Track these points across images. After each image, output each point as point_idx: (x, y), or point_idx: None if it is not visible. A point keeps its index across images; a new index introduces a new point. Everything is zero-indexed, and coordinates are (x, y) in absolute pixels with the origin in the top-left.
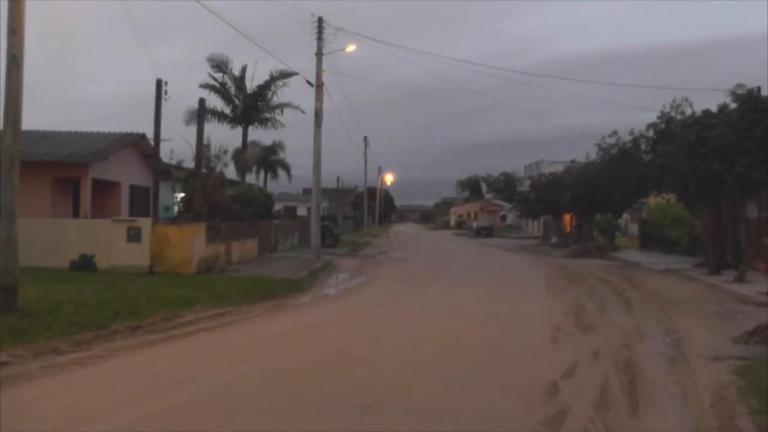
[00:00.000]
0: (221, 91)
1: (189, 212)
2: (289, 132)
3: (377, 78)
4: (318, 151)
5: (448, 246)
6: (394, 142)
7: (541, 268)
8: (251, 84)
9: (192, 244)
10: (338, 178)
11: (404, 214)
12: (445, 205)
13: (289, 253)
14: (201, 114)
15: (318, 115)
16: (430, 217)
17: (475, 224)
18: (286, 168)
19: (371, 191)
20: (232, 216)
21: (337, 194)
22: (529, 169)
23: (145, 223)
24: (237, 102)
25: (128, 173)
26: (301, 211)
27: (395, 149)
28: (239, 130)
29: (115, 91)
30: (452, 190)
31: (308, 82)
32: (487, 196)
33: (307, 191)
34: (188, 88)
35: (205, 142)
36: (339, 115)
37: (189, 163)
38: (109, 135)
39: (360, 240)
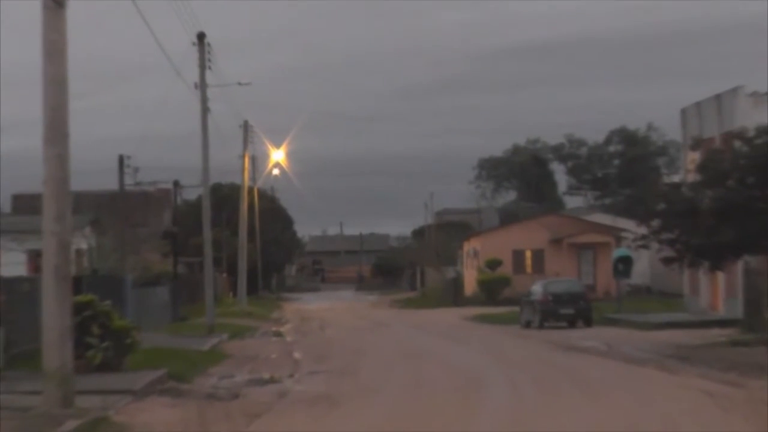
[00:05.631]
0: None
1: None
2: None
3: None
4: (59, 80)
5: (459, 359)
6: (291, 55)
7: None
8: None
9: None
10: (122, 160)
11: (325, 265)
12: (446, 232)
13: None
14: None
15: None
16: (403, 269)
17: (539, 288)
18: None
19: (225, 196)
20: None
21: (122, 207)
22: (693, 121)
23: None
24: None
25: None
26: (13, 265)
27: (297, 76)
28: None
29: None
30: (461, 191)
31: None
32: (571, 202)
33: (22, 201)
34: None
35: None
36: None
37: None
38: None
39: (195, 346)
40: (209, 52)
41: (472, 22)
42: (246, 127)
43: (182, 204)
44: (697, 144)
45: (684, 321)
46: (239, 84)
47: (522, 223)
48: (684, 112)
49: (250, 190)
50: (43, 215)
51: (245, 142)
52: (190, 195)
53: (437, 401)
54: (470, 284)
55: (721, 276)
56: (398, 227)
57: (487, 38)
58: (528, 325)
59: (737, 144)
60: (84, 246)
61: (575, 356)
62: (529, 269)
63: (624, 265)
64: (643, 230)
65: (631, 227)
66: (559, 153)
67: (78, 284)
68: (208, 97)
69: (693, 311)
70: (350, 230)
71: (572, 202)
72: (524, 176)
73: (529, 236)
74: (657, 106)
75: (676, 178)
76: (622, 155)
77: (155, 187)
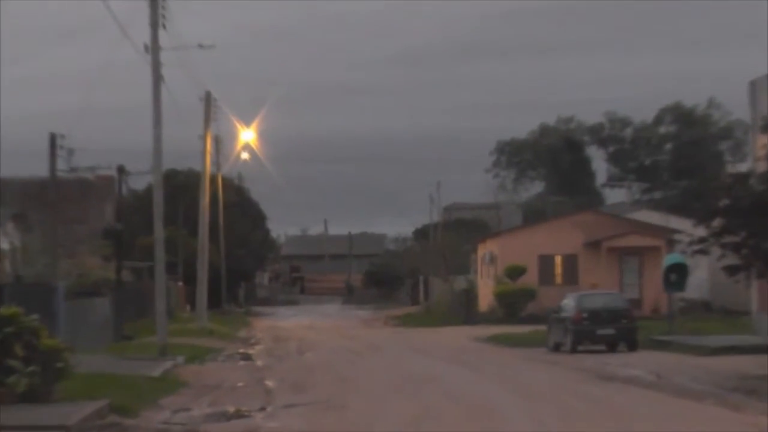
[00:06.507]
0: None
1: None
2: None
3: None
4: None
5: (470, 390)
6: (265, 12)
7: None
8: None
9: None
10: (54, 140)
11: (306, 272)
12: (456, 232)
13: None
14: None
15: None
16: (402, 279)
17: (572, 302)
18: None
19: (182, 185)
20: None
21: (53, 198)
22: (764, 96)
23: None
24: None
25: None
26: None
27: (272, 38)
28: None
29: None
30: (476, 182)
31: None
32: (612, 196)
33: None
34: None
35: None
36: None
37: None
38: None
39: (143, 371)
40: (163, 8)
41: None
42: (208, 100)
43: (128, 195)
44: None
45: (751, 345)
46: (200, 47)
47: (551, 221)
48: (753, 85)
49: (213, 178)
50: None
51: (207, 118)
52: (139, 184)
53: None
54: (486, 297)
55: None
56: (397, 226)
57: None
58: (557, 348)
59: None
60: (5, 246)
61: (615, 388)
62: (559, 279)
63: (677, 275)
64: (701, 232)
65: (686, 228)
66: (598, 135)
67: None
68: (162, 63)
69: (762, 332)
70: (337, 229)
71: (613, 196)
72: (554, 163)
73: (559, 238)
74: (720, 78)
75: (743, 167)
76: (676, 138)
77: (95, 174)
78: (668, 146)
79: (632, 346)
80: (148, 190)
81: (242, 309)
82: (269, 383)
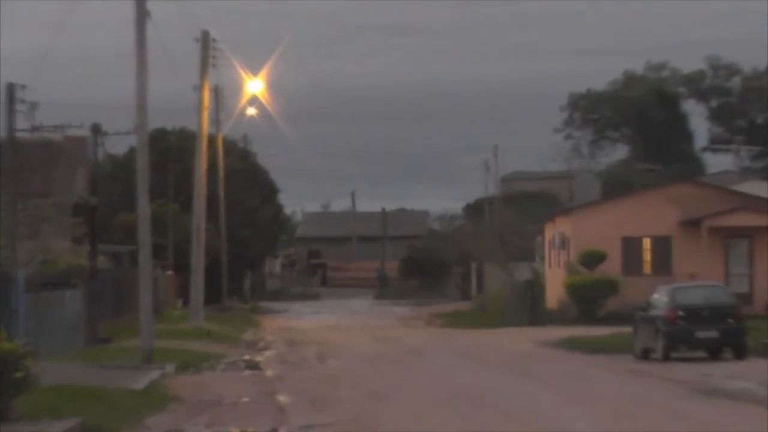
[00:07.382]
0: None
1: None
2: None
3: None
4: None
5: (535, 409)
6: None
7: None
8: None
9: None
10: (12, 92)
11: (328, 259)
12: (517, 208)
13: None
14: None
15: None
16: (449, 267)
17: (664, 297)
18: None
19: (173, 149)
20: None
21: (10, 164)
22: None
23: None
24: None
25: None
26: None
27: None
28: None
29: None
30: (542, 145)
31: None
32: (715, 163)
33: None
34: None
35: None
36: None
37: None
38: None
39: (123, 383)
40: None
41: None
42: (206, 41)
43: (105, 161)
44: None
45: None
46: None
47: (637, 195)
48: None
49: (212, 140)
50: None
51: (204, 65)
52: (118, 147)
53: None
54: (555, 290)
55: None
56: (443, 200)
57: None
58: (646, 355)
59: None
60: None
61: (719, 405)
62: (647, 268)
63: None
64: None
65: None
66: (698, 86)
67: None
68: None
69: None
70: (367, 204)
71: (717, 162)
72: (641, 122)
73: (648, 216)
74: None
75: None
76: None
77: (63, 135)
78: None
79: (740, 353)
80: (130, 155)
81: (248, 305)
82: (282, 398)
